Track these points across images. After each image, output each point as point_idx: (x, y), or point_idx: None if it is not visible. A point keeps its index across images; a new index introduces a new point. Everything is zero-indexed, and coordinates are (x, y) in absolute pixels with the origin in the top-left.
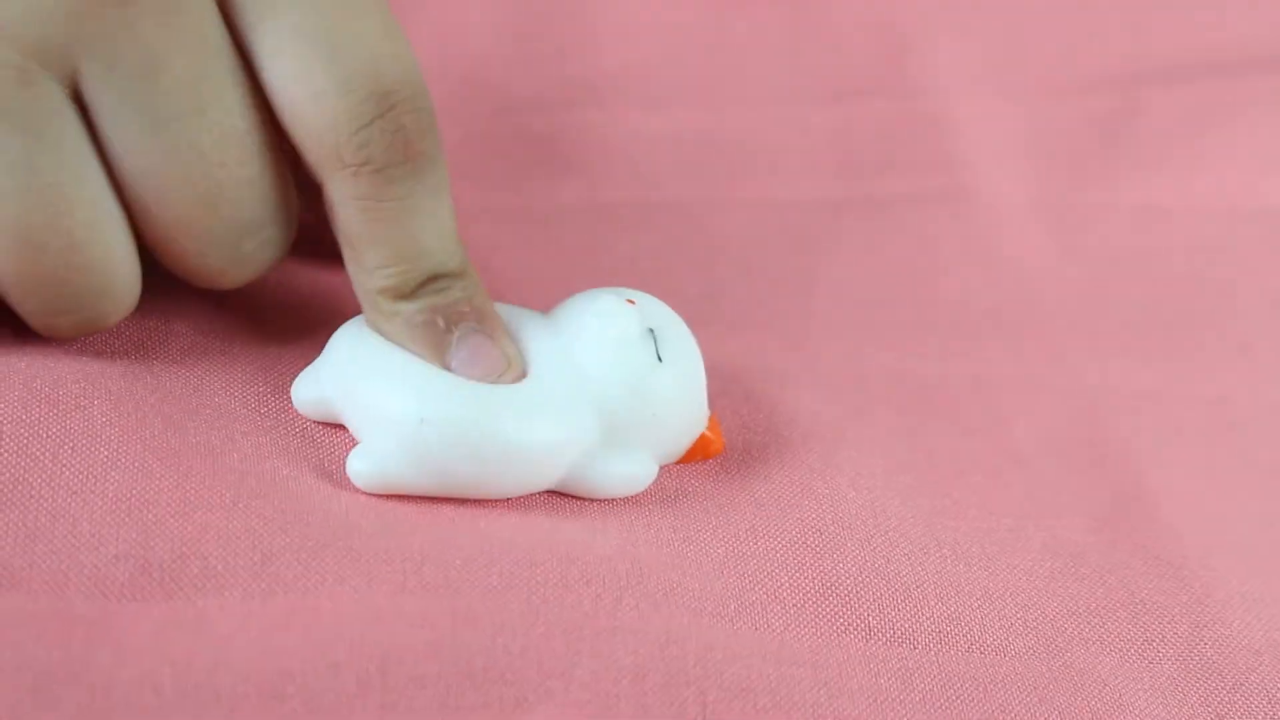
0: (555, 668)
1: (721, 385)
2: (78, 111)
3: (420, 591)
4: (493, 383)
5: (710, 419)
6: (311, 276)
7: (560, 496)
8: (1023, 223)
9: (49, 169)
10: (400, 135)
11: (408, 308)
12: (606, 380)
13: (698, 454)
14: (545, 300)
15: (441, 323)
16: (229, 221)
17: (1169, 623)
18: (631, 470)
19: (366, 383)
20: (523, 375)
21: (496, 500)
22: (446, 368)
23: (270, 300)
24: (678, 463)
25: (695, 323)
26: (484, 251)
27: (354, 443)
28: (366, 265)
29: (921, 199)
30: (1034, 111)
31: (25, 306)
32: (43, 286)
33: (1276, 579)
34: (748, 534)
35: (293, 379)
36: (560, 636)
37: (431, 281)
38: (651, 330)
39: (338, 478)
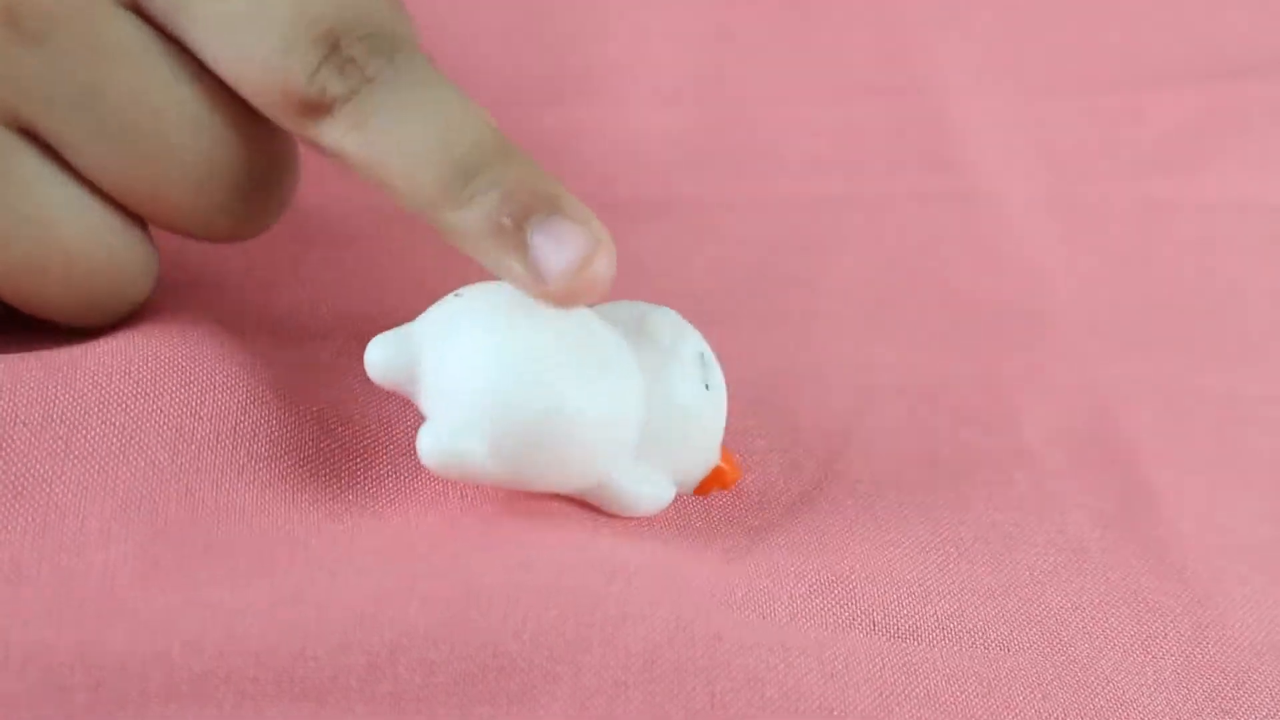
0: (565, 654)
1: (730, 391)
2: (28, 140)
3: (431, 576)
4: (587, 264)
5: (723, 451)
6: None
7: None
8: (1030, 218)
9: (18, 199)
10: (353, 64)
11: (469, 216)
12: (664, 396)
13: (713, 484)
14: None
15: (509, 222)
16: (222, 191)
17: (1171, 621)
18: (656, 491)
19: (445, 355)
20: (613, 251)
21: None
22: (537, 272)
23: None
24: (693, 493)
25: (703, 322)
26: None
27: (372, 460)
28: (406, 192)
29: (927, 196)
30: (1040, 106)
31: (55, 318)
32: (63, 302)
33: None
34: (753, 532)
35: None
36: (572, 620)
37: (476, 176)
38: (702, 355)
39: (347, 498)
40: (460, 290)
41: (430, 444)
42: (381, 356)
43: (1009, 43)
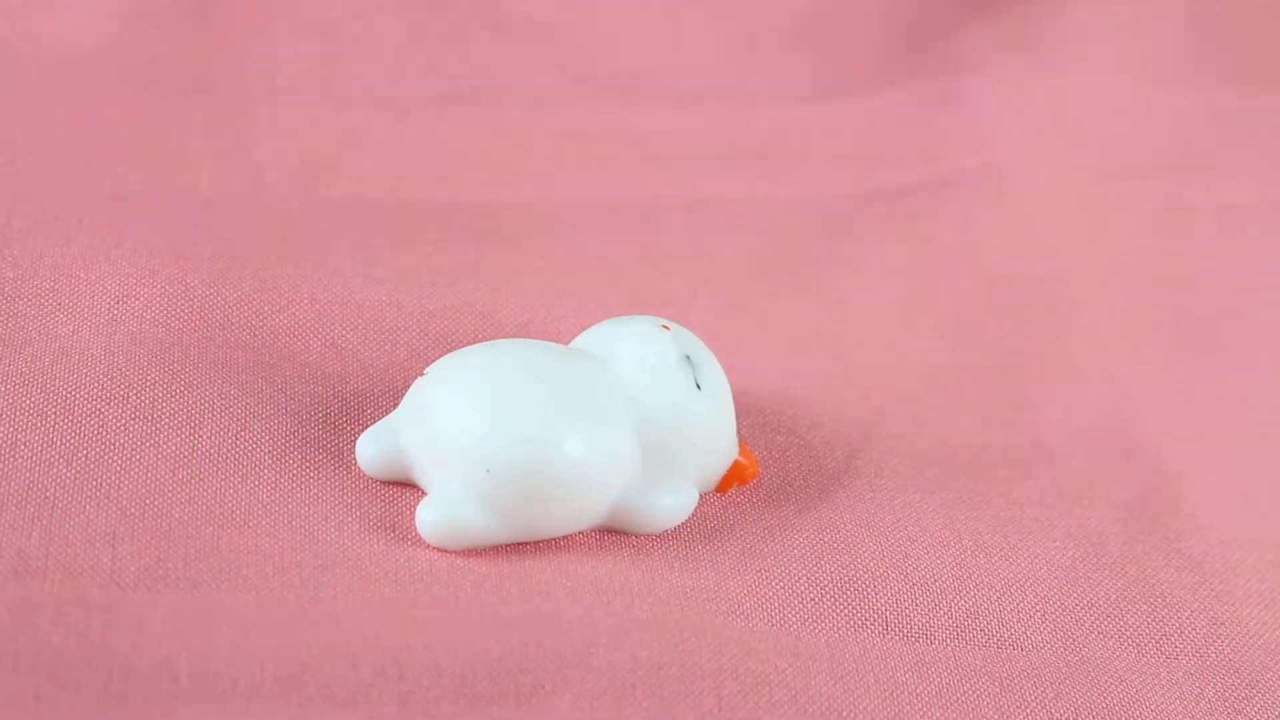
0: (572, 658)
1: (751, 387)
2: None
3: (431, 606)
4: None
5: (741, 444)
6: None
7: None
8: (1056, 204)
9: None
10: None
11: None
12: (649, 407)
13: (733, 480)
14: (579, 300)
15: None
16: None
17: (1187, 617)
18: (677, 501)
19: (429, 433)
20: None
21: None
22: None
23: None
24: (715, 491)
25: (725, 318)
26: (508, 249)
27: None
28: None
29: (953, 186)
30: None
31: None
32: None
33: None
34: (764, 534)
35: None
36: (577, 630)
37: None
38: (688, 356)
39: (353, 501)
40: (426, 369)
41: (430, 518)
42: (371, 452)
43: (1015, 22)
